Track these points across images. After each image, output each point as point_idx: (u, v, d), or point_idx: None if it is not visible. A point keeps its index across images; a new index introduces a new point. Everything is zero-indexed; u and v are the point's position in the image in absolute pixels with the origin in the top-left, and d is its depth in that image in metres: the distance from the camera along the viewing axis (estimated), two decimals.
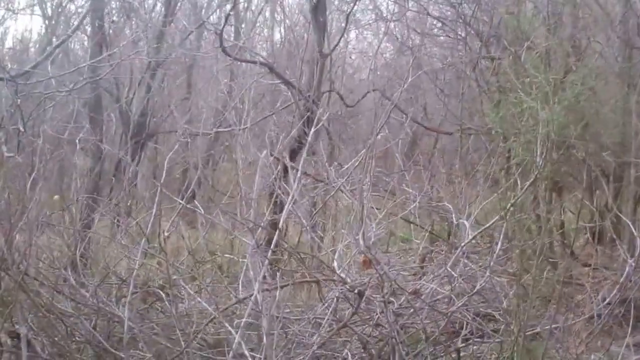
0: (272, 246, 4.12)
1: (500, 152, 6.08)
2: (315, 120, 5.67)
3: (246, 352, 3.50)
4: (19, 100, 4.68)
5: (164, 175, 5.34)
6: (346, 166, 4.75)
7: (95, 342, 4.31)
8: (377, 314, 4.21)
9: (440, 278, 4.61)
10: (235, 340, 3.52)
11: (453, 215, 5.58)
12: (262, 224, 5.89)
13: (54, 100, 5.72)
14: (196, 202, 6.03)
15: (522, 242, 4.28)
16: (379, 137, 5.58)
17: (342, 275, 4.31)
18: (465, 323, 4.31)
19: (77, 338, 4.47)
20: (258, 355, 3.52)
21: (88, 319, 4.47)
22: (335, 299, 4.06)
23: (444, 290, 4.48)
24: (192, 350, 4.19)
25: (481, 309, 4.47)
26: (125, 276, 5.50)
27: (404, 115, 7.63)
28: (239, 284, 4.41)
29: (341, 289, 4.09)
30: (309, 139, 7.64)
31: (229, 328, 3.72)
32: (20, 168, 4.37)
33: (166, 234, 4.71)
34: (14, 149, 4.59)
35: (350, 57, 11.29)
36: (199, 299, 4.01)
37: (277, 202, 7.16)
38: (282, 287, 4.27)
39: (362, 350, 4.20)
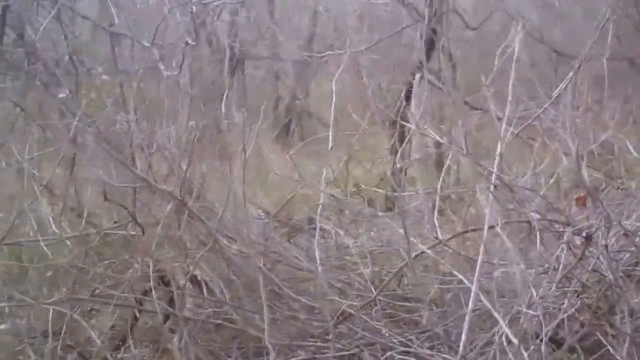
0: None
1: None
2: None
3: (487, 303, 3.04)
4: (193, 8, 4.03)
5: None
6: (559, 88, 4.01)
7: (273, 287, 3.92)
8: (594, 258, 3.73)
9: None
10: (473, 291, 3.05)
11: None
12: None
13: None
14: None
15: None
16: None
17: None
18: None
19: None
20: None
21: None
22: (562, 244, 3.55)
23: None
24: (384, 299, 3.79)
25: None
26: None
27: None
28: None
29: (564, 231, 3.58)
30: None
31: (460, 277, 3.25)
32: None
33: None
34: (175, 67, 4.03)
35: None
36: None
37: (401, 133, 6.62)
38: (491, 227, 3.78)
39: (577, 300, 3.74)
